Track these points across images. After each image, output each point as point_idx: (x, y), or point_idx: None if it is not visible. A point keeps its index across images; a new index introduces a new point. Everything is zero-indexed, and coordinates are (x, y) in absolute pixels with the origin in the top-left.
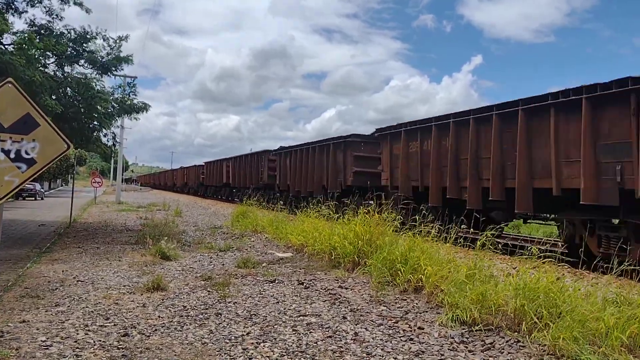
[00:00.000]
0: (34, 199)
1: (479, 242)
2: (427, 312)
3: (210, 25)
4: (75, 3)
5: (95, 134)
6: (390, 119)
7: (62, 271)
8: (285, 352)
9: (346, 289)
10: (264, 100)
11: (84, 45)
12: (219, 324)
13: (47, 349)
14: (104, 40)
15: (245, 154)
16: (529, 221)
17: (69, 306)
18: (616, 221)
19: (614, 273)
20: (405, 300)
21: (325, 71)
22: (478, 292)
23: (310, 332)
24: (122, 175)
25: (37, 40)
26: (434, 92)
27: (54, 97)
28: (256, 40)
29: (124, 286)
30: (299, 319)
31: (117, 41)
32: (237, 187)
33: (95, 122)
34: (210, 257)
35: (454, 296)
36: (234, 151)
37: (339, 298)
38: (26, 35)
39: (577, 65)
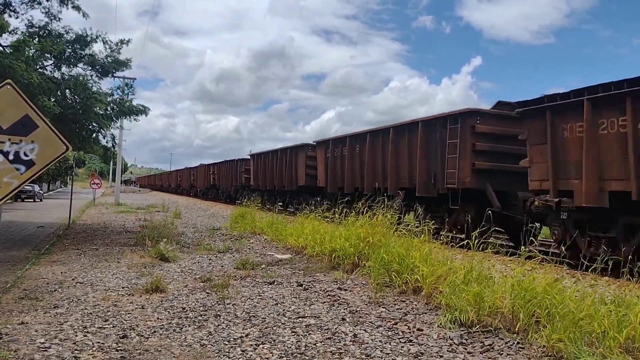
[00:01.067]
0: (32, 200)
1: (473, 243)
2: (426, 313)
3: (209, 25)
4: (73, 7)
5: (94, 135)
6: (389, 120)
7: (61, 273)
8: (284, 354)
9: (345, 290)
10: (263, 101)
11: (84, 48)
12: (218, 325)
13: (46, 350)
14: (104, 43)
15: (362, 130)
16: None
17: (67, 308)
18: None
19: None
20: (404, 301)
21: (324, 72)
22: (474, 293)
23: (309, 334)
24: (121, 176)
25: (35, 41)
26: (434, 93)
27: (52, 98)
28: (255, 40)
29: (123, 288)
30: (298, 320)
31: (118, 44)
32: (343, 192)
33: (94, 124)
34: (209, 259)
35: (450, 297)
36: (234, 152)
37: (338, 299)
38: (22, 37)
39: (577, 65)
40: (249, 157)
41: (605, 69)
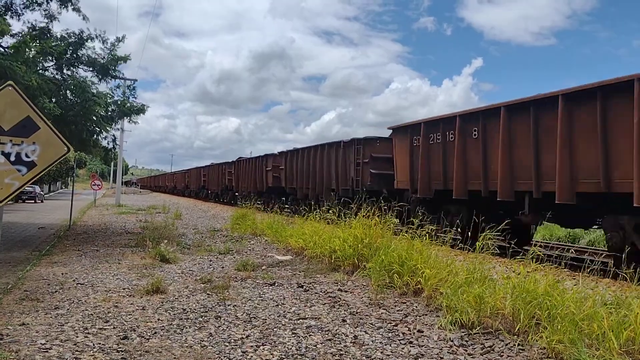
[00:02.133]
0: (33, 201)
1: (478, 244)
2: (426, 315)
3: (210, 26)
4: (74, 9)
5: (94, 136)
6: (390, 121)
7: (62, 274)
8: (285, 355)
9: (346, 292)
10: (263, 102)
11: (83, 46)
12: (219, 327)
13: (47, 351)
14: (102, 42)
15: None
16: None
17: (68, 309)
18: None
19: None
20: (405, 303)
21: (325, 73)
22: (475, 294)
23: (309, 335)
24: (122, 177)
25: (36, 42)
26: (434, 94)
27: (53, 100)
28: (256, 42)
29: (124, 289)
30: (298, 322)
31: (115, 42)
32: None
33: (94, 125)
34: (210, 260)
35: (451, 299)
36: (235, 154)
37: (339, 301)
38: (22, 38)
39: (577, 66)
40: (361, 139)
41: (604, 70)
